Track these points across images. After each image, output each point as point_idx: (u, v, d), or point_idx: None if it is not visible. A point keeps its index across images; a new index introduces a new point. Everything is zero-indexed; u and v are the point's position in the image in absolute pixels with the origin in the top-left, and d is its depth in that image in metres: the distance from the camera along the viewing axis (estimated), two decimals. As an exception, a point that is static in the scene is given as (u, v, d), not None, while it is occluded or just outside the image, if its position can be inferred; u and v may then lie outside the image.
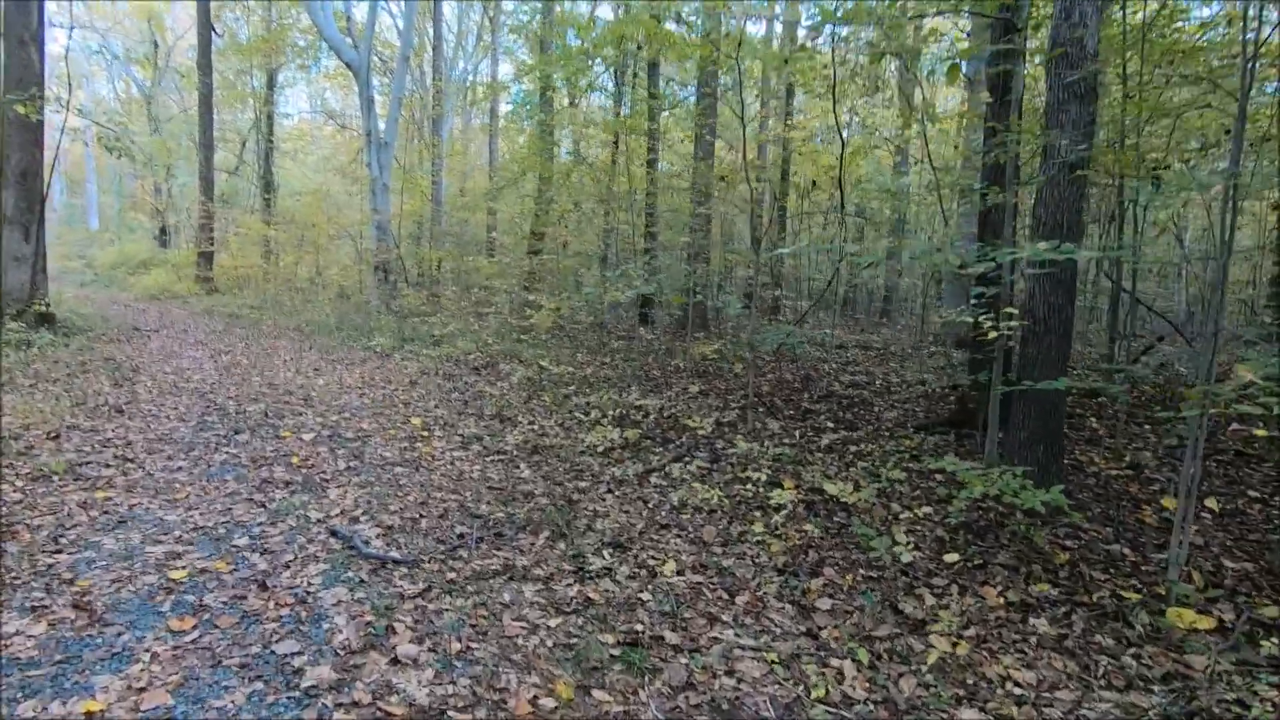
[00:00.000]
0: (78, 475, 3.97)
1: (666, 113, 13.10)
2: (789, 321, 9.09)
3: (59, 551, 2.95)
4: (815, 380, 8.09)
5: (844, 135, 6.00)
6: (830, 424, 6.11)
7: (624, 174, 12.33)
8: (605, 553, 3.41)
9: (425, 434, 5.49)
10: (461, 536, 3.47)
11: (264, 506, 3.67)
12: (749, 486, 4.29)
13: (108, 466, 4.16)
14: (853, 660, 2.50)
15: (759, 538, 3.60)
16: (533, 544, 3.48)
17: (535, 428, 5.69)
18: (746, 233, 14.58)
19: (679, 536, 3.70)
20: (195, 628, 2.41)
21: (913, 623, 2.78)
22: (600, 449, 5.13)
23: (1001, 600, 2.90)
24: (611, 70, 14.07)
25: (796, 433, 5.66)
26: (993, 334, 3.43)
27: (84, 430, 4.89)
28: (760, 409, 6.50)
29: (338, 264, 17.53)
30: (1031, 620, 2.76)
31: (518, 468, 4.80)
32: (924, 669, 2.46)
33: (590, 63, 13.10)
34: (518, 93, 19.66)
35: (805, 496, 4.16)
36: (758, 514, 3.99)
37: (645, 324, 11.97)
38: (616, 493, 4.34)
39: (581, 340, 10.46)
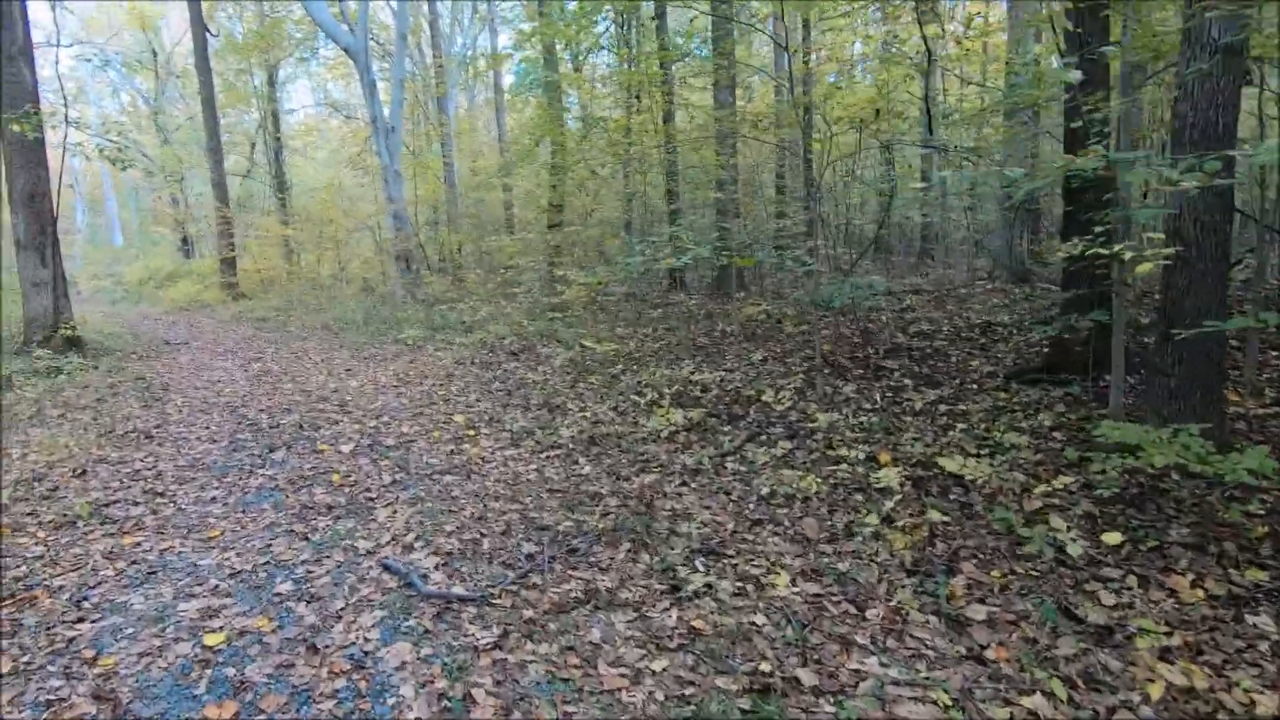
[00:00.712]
0: (104, 517, 3.61)
1: (679, 63, 12.27)
2: (844, 271, 8.38)
3: (81, 620, 2.57)
4: (875, 333, 7.47)
5: (931, 50, 5.26)
6: (908, 381, 5.54)
7: (644, 131, 11.63)
8: (698, 563, 2.94)
9: (471, 433, 5.06)
10: (531, 557, 3.03)
11: (306, 539, 3.26)
12: (843, 467, 3.77)
13: (136, 504, 3.81)
14: (1043, 694, 1.99)
15: (872, 529, 3.09)
16: (612, 559, 3.03)
17: (588, 415, 5.22)
18: (771, 183, 13.80)
19: (777, 534, 3.21)
20: (236, 716, 2.01)
21: (1098, 632, 2.26)
22: (664, 434, 4.64)
23: (1201, 593, 2.36)
24: (619, 25, 13.26)
25: (877, 395, 5.10)
26: (1144, 265, 2.82)
27: (112, 463, 4.56)
28: (826, 371, 5.95)
29: (358, 257, 17.20)
30: (1250, 619, 2.22)
31: (576, 463, 4.35)
32: (1137, 699, 1.94)
33: (592, 21, 12.30)
34: (519, 66, 18.89)
35: (910, 473, 3.63)
36: (859, 498, 3.48)
37: (677, 288, 11.39)
38: (693, 485, 3.86)
39: (617, 312, 9.94)
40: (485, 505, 3.65)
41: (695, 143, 10.69)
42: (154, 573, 2.97)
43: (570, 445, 4.66)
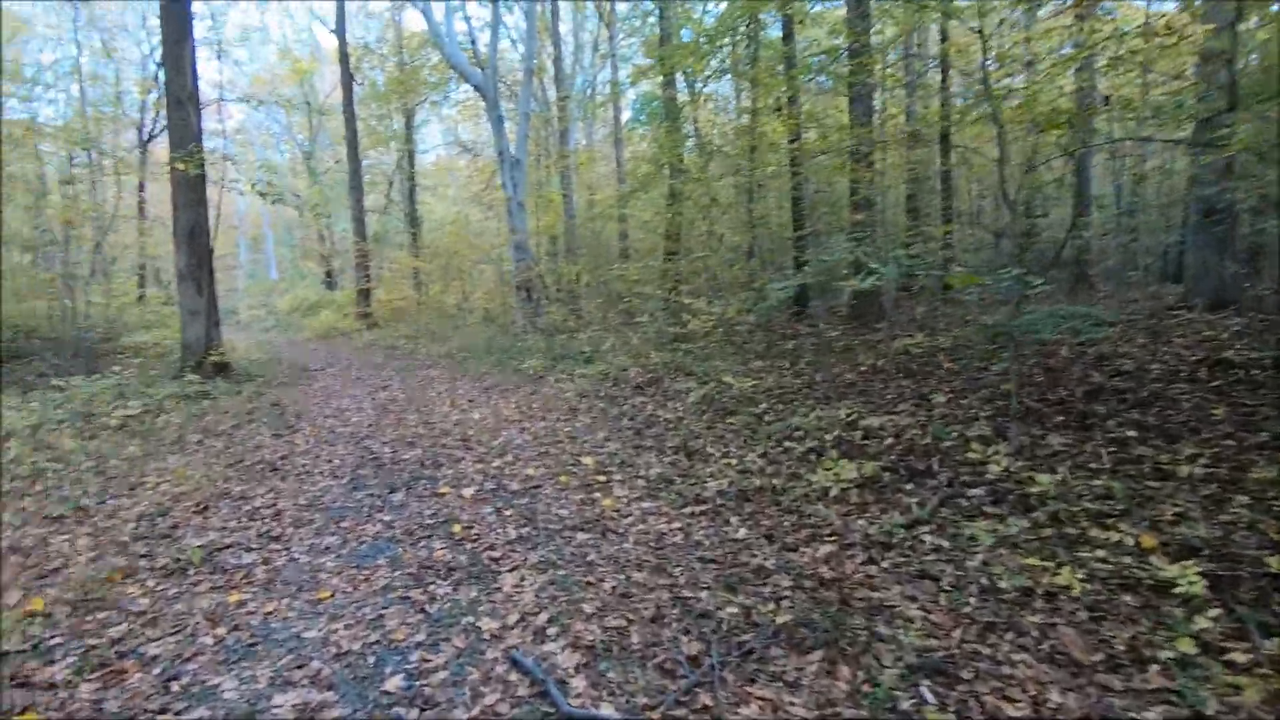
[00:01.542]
0: (215, 565, 3.30)
1: (811, 79, 11.51)
2: (1026, 295, 7.21)
3: (164, 711, 2.16)
4: (1061, 371, 6.29)
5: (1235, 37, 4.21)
6: (1133, 434, 4.43)
7: (771, 150, 10.99)
8: (924, 690, 2.15)
9: (602, 479, 4.49)
10: (694, 661, 2.34)
11: (424, 611, 2.75)
12: (1100, 554, 2.83)
13: (250, 550, 3.49)
14: None
15: (1178, 656, 2.17)
16: (800, 670, 2.29)
17: (734, 464, 4.52)
18: (901, 204, 12.69)
19: (1023, 648, 2.35)
20: None
21: None
22: (832, 492, 3.85)
23: None
24: (742, 44, 12.76)
25: (1102, 453, 4.06)
26: None
27: (234, 498, 4.35)
28: (1022, 417, 4.92)
29: (481, 288, 17.56)
30: None
31: (728, 524, 3.64)
32: None
33: (716, 46, 11.85)
34: (635, 103, 18.86)
35: (1199, 565, 2.64)
36: (1131, 601, 2.55)
37: (800, 318, 10.49)
38: (883, 563, 3.05)
39: (747, 344, 9.20)
40: (628, 577, 3.02)
41: (831, 157, 9.86)
42: (254, 645, 2.55)
43: (717, 500, 3.97)
